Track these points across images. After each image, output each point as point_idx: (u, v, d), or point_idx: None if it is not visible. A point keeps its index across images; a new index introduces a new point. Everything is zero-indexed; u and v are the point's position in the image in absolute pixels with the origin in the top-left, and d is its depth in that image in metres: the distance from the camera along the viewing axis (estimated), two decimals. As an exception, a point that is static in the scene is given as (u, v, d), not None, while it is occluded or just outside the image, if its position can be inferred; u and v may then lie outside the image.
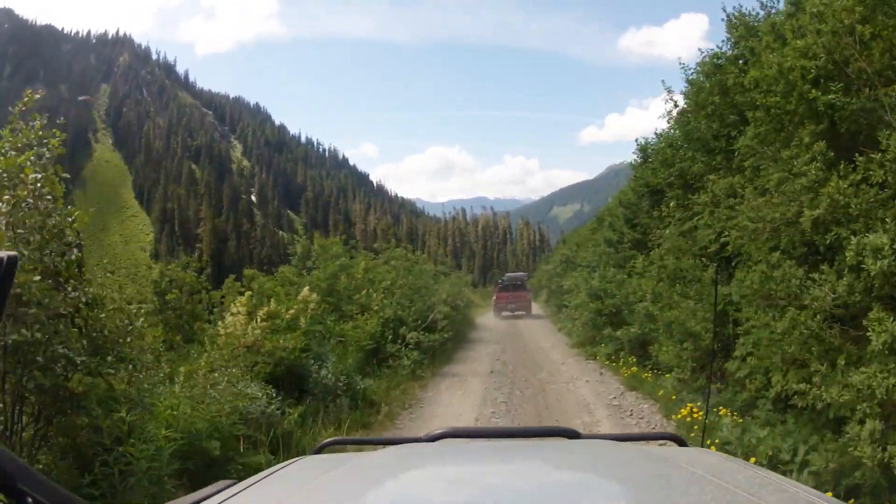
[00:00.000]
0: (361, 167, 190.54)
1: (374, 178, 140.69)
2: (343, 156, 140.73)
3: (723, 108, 7.92)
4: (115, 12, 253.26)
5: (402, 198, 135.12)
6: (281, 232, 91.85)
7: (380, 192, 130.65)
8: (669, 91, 10.01)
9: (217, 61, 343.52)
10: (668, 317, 7.82)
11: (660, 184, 10.93)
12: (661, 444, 1.89)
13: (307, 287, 9.25)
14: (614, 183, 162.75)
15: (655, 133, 12.20)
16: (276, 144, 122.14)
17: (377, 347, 10.08)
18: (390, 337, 10.60)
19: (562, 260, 21.64)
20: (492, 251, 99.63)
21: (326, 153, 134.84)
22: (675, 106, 9.99)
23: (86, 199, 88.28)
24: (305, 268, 11.96)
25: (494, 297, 25.36)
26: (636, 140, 13.48)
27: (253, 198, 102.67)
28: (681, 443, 1.60)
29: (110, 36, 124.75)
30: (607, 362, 11.09)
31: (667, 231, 9.87)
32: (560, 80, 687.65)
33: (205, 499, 1.01)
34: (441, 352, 12.08)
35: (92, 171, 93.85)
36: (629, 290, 11.02)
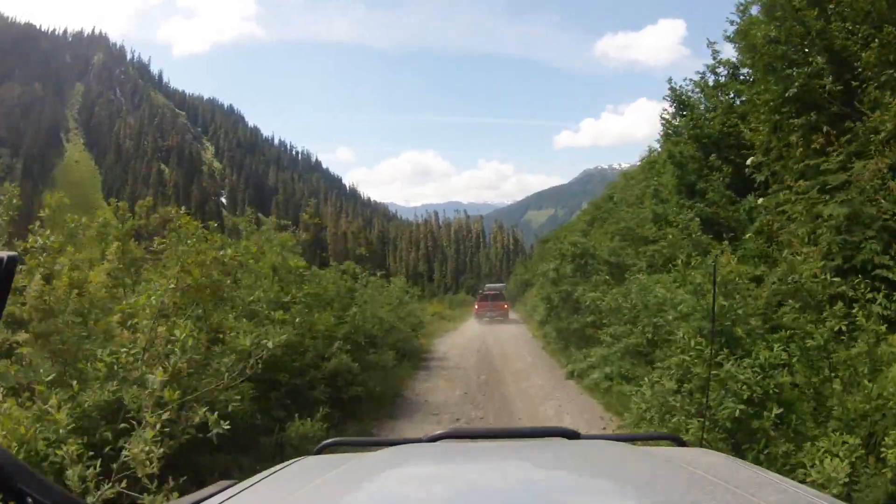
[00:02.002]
0: (338, 171, 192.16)
1: (348, 182, 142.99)
2: (316, 159, 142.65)
3: None
4: (94, 11, 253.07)
5: (375, 202, 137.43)
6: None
7: (352, 195, 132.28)
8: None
9: (194, 62, 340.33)
10: None
11: (742, 124, 7.61)
12: (661, 445, 1.87)
13: None
14: (589, 188, 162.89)
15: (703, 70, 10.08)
16: (249, 146, 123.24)
17: None
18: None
19: (574, 256, 13.12)
20: (465, 255, 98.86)
21: (299, 156, 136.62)
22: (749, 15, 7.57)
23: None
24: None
25: (476, 306, 29.69)
26: (669, 81, 10.74)
27: (223, 199, 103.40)
28: (681, 443, 1.61)
29: (86, 34, 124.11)
30: None
31: (760, 201, 6.77)
32: (536, 86, 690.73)
33: (205, 499, 1.04)
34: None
35: (62, 171, 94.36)
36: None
